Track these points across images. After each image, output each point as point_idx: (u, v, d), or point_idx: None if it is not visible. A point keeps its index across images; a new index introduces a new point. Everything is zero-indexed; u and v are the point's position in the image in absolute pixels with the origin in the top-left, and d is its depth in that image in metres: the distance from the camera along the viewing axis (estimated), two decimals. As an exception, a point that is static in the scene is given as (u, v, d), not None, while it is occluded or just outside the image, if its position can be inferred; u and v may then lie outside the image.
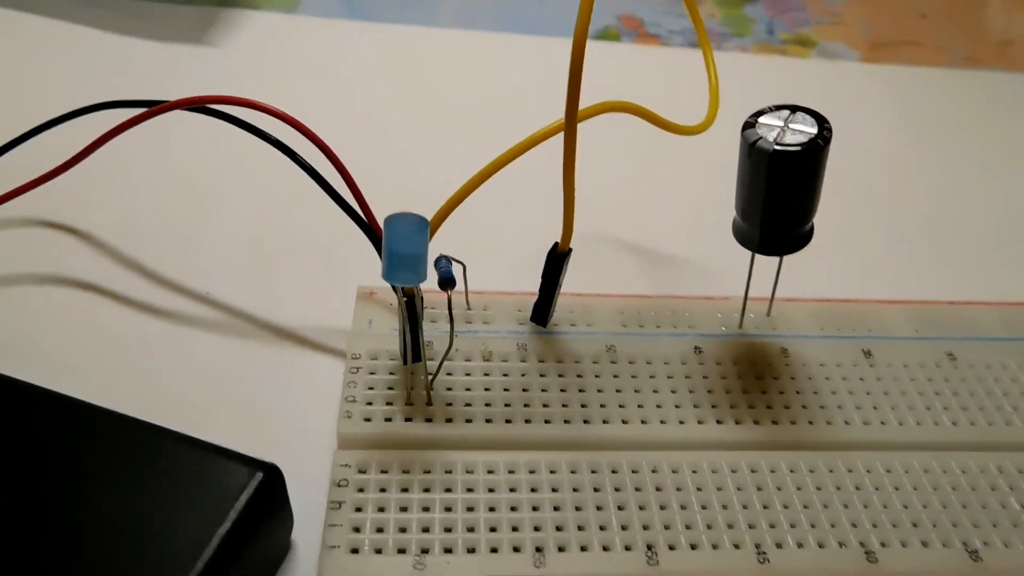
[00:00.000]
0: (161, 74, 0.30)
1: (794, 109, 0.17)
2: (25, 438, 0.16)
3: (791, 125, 0.17)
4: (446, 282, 0.17)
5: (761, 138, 0.16)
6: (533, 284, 0.21)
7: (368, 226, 0.19)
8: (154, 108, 0.20)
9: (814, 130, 0.16)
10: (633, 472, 0.18)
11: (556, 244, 0.19)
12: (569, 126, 0.15)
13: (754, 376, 0.20)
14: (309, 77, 0.30)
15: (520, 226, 0.23)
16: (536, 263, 0.20)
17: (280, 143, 0.20)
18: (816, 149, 0.16)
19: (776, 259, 0.19)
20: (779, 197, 0.17)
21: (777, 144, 0.16)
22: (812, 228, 0.18)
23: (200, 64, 0.30)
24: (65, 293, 0.22)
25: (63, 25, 0.31)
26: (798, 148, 0.16)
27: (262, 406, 0.20)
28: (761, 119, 0.17)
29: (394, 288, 0.17)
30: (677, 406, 0.19)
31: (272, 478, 0.15)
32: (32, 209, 0.24)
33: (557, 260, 0.19)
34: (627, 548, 0.16)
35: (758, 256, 0.19)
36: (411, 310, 0.17)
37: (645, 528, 0.17)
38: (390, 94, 0.30)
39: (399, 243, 0.15)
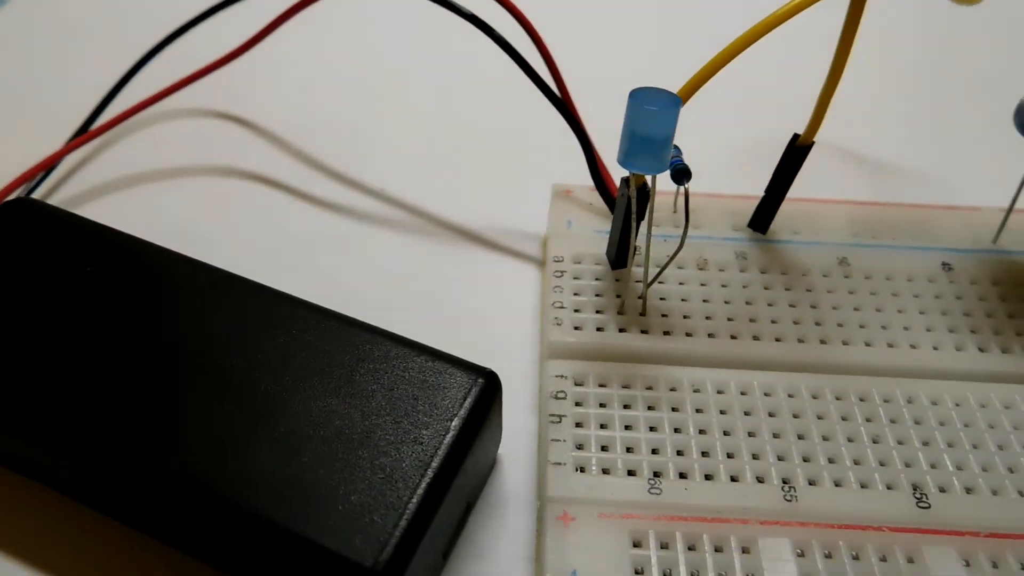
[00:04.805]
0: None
1: None
2: (254, 335, 0.14)
3: None
4: (681, 174, 0.14)
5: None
6: (736, 187, 0.18)
7: (572, 115, 0.17)
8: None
9: None
10: (885, 402, 0.15)
11: (796, 136, 0.16)
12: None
13: (1020, 299, 0.17)
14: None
15: (718, 124, 0.21)
16: (733, 165, 0.17)
17: (474, 17, 0.17)
18: None
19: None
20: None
21: None
22: None
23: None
24: (239, 185, 0.21)
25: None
26: None
27: (448, 309, 0.18)
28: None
29: (602, 183, 0.15)
30: (929, 329, 0.16)
31: (491, 385, 0.14)
32: (203, 99, 0.22)
33: (797, 154, 0.16)
34: (888, 487, 0.14)
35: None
36: (641, 205, 0.15)
37: (907, 466, 0.14)
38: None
39: (646, 122, 0.13)
